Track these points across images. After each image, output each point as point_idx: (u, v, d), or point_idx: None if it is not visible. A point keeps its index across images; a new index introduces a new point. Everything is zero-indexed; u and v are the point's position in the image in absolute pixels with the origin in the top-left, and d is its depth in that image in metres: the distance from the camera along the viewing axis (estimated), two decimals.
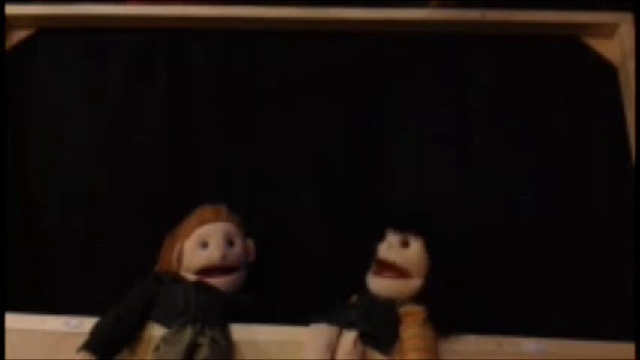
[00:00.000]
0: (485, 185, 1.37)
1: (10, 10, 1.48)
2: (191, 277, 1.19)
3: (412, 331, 1.10)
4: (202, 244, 1.20)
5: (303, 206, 1.37)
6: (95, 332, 1.10)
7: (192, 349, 1.07)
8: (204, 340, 1.07)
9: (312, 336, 1.11)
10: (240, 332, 1.15)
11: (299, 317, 1.15)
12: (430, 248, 1.18)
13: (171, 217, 1.32)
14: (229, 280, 1.19)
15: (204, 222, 1.22)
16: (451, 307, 1.13)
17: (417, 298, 1.15)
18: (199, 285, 1.17)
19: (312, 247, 1.34)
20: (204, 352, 1.06)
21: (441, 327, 1.11)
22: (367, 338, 1.11)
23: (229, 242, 1.21)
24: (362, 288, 1.21)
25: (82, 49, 1.51)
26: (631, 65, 1.37)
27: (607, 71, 1.43)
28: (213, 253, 1.18)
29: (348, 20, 1.47)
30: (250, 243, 1.25)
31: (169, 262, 1.22)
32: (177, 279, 1.19)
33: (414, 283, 1.16)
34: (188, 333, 1.08)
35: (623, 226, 1.29)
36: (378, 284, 1.18)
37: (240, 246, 1.22)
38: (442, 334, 1.11)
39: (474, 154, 1.39)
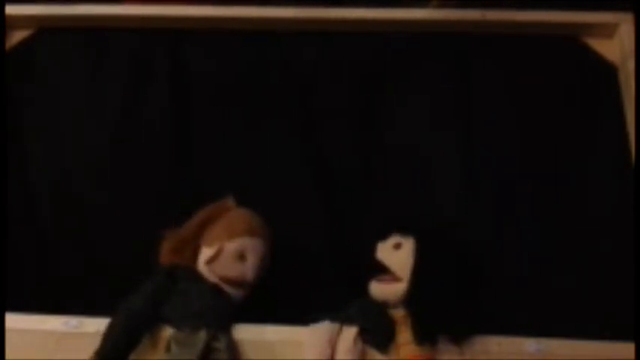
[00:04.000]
0: (486, 185, 1.37)
1: (10, 10, 1.48)
2: (212, 277, 1.17)
3: (407, 335, 1.11)
4: (240, 257, 1.18)
5: (305, 207, 1.37)
6: (107, 338, 1.07)
7: (206, 352, 1.06)
8: (220, 345, 1.08)
9: (314, 333, 1.11)
10: (242, 332, 1.15)
11: (300, 317, 1.16)
12: (429, 250, 1.17)
13: (173, 218, 1.32)
14: (242, 293, 1.19)
15: (249, 232, 1.19)
16: (442, 310, 1.12)
17: (410, 300, 1.15)
18: (215, 288, 1.16)
19: (313, 248, 1.34)
20: (222, 356, 1.07)
21: (429, 331, 1.11)
22: (366, 335, 1.12)
23: (262, 262, 1.20)
24: (363, 290, 1.21)
25: (82, 50, 1.51)
26: (631, 65, 1.37)
27: (607, 71, 1.43)
28: (247, 272, 1.17)
29: (348, 20, 1.47)
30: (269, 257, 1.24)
31: (181, 253, 1.20)
32: (193, 277, 1.18)
33: (403, 286, 1.16)
34: (202, 336, 1.07)
35: (623, 226, 1.29)
36: (374, 288, 1.19)
37: (266, 262, 1.22)
38: (430, 338, 1.11)
39: (474, 154, 1.39)
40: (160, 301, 1.13)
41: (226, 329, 1.12)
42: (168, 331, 1.11)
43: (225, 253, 1.18)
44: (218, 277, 1.17)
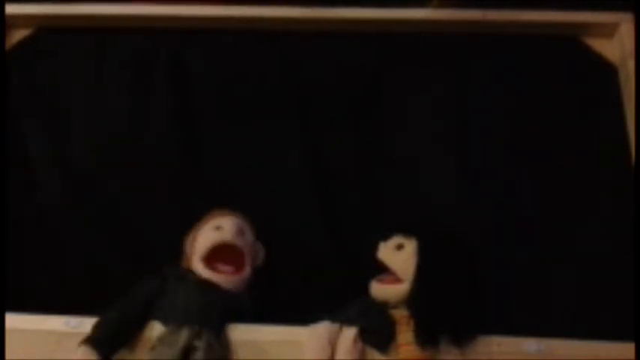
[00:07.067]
0: (486, 186, 1.37)
1: (10, 9, 1.48)
2: (201, 268, 1.19)
3: (408, 336, 1.11)
4: (216, 228, 1.23)
5: (305, 207, 1.37)
6: (97, 329, 1.10)
7: (187, 350, 1.07)
8: (199, 344, 1.07)
9: (314, 333, 1.11)
10: (240, 332, 1.15)
11: (300, 317, 1.15)
12: (429, 251, 1.17)
13: (173, 219, 1.33)
14: (235, 278, 1.20)
15: (220, 215, 1.26)
16: (444, 310, 1.12)
17: (411, 301, 1.15)
18: (202, 286, 1.16)
19: (314, 248, 1.34)
20: (199, 355, 1.06)
21: (431, 331, 1.11)
22: (366, 335, 1.12)
23: (241, 232, 1.24)
24: (363, 290, 1.21)
25: (82, 49, 1.51)
26: (631, 65, 1.37)
27: (607, 71, 1.43)
28: (225, 232, 1.21)
29: (349, 20, 1.47)
30: (260, 246, 1.27)
31: (187, 255, 1.24)
32: (184, 275, 1.19)
33: (405, 287, 1.16)
34: (184, 334, 1.08)
35: (623, 226, 1.29)
36: (375, 289, 1.19)
37: (250, 239, 1.25)
38: (432, 339, 1.11)
39: (473, 155, 1.39)
40: (150, 301, 1.15)
41: (212, 327, 1.11)
42: (156, 331, 1.12)
43: (200, 234, 1.23)
44: (205, 257, 1.19)
